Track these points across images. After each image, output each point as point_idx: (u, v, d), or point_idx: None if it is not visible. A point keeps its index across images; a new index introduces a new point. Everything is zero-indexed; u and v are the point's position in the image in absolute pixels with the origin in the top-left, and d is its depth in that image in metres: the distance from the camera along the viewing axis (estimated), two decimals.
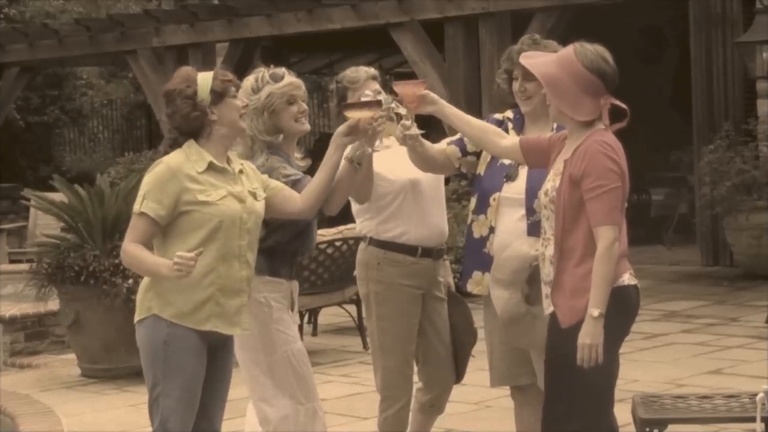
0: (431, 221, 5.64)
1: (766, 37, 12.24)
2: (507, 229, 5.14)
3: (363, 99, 5.21)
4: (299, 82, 5.30)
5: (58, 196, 10.11)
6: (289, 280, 5.29)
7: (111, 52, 17.11)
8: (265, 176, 5.01)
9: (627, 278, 4.54)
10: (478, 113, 5.28)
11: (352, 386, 8.46)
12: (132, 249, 4.73)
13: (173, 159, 4.78)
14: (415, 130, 5.06)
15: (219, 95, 4.81)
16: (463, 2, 13.01)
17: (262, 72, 5.28)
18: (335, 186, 5.02)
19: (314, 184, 4.97)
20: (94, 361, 9.27)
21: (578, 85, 4.51)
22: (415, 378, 5.73)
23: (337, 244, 9.39)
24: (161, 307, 4.75)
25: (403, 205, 5.57)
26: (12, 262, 14.50)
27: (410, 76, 13.08)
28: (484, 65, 13.00)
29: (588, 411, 4.52)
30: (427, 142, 5.26)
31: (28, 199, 12.42)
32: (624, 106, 4.57)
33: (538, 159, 4.80)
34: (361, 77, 5.56)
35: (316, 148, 17.32)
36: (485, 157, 5.29)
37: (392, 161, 5.51)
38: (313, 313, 10.43)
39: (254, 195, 4.88)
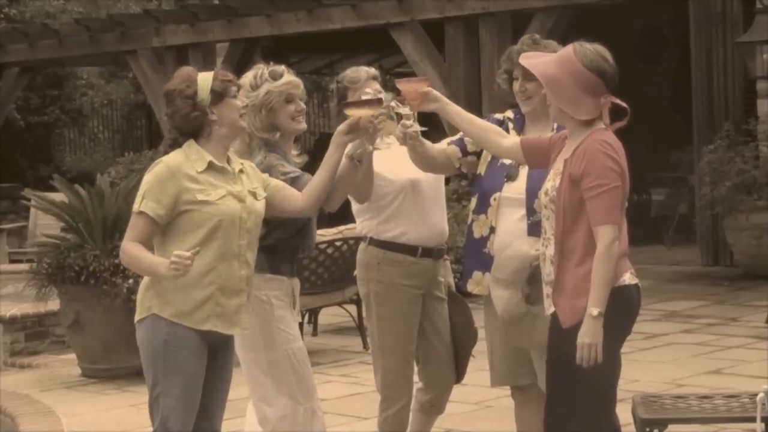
0: (431, 221, 5.64)
1: (766, 37, 12.24)
2: (507, 229, 5.14)
3: (363, 97, 5.22)
4: (298, 80, 5.30)
5: (58, 196, 10.11)
6: (290, 278, 5.29)
7: (111, 52, 17.11)
8: (265, 175, 5.01)
9: (628, 278, 4.54)
10: (478, 113, 5.28)
11: (352, 386, 8.46)
12: (131, 248, 4.73)
13: (173, 159, 4.79)
14: (417, 127, 5.07)
15: (219, 95, 4.81)
16: (463, 2, 13.01)
17: (261, 69, 5.28)
18: (336, 183, 5.03)
19: (315, 182, 4.98)
20: (94, 361, 9.27)
21: (578, 84, 4.51)
22: (416, 378, 5.73)
23: (338, 244, 9.39)
24: (161, 306, 4.75)
25: (403, 205, 5.57)
26: (12, 262, 14.50)
27: (410, 76, 13.08)
28: (484, 65, 13.01)
29: (590, 411, 4.52)
30: (427, 142, 5.26)
31: (29, 199, 12.42)
32: (624, 104, 4.57)
33: (538, 159, 4.80)
34: (362, 77, 5.56)
35: (316, 148, 17.34)
36: (486, 157, 5.30)
37: (392, 161, 5.51)
38: (313, 313, 10.43)
39: (254, 194, 4.89)
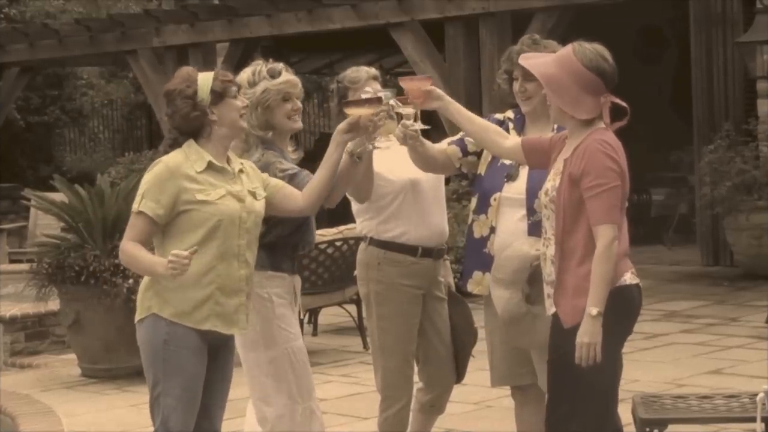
0: (431, 221, 5.64)
1: (766, 37, 12.24)
2: (508, 229, 5.14)
3: (363, 96, 5.22)
4: (296, 79, 5.30)
5: (58, 196, 10.11)
6: (291, 275, 5.30)
7: (111, 52, 17.11)
8: (265, 175, 5.02)
9: (629, 277, 4.54)
10: (478, 113, 5.27)
11: (352, 386, 8.46)
12: (129, 248, 4.74)
13: (172, 158, 4.79)
14: (420, 126, 5.07)
15: (219, 95, 4.81)
16: (464, 2, 13.01)
17: (259, 66, 5.28)
18: (335, 181, 5.03)
19: (315, 181, 4.98)
20: (94, 361, 9.27)
21: (578, 83, 4.51)
22: (416, 378, 5.73)
23: (338, 244, 9.38)
24: (161, 306, 4.76)
25: (403, 205, 5.57)
26: (12, 262, 14.50)
27: (411, 75, 13.07)
28: (484, 65, 13.00)
29: (591, 411, 4.52)
30: (427, 142, 5.27)
31: (29, 199, 12.42)
32: (624, 104, 4.57)
33: (539, 159, 4.80)
34: (362, 77, 5.56)
35: (316, 148, 17.35)
36: (486, 157, 5.30)
37: (392, 161, 5.51)
38: (314, 313, 10.43)
39: (254, 194, 4.89)
